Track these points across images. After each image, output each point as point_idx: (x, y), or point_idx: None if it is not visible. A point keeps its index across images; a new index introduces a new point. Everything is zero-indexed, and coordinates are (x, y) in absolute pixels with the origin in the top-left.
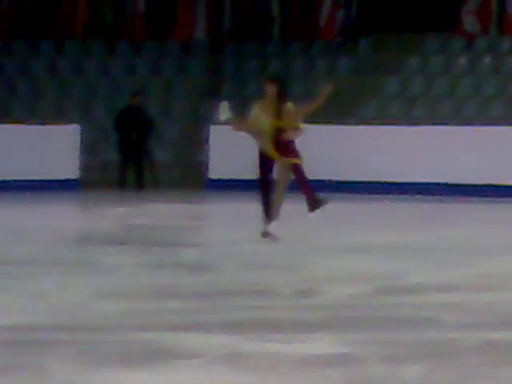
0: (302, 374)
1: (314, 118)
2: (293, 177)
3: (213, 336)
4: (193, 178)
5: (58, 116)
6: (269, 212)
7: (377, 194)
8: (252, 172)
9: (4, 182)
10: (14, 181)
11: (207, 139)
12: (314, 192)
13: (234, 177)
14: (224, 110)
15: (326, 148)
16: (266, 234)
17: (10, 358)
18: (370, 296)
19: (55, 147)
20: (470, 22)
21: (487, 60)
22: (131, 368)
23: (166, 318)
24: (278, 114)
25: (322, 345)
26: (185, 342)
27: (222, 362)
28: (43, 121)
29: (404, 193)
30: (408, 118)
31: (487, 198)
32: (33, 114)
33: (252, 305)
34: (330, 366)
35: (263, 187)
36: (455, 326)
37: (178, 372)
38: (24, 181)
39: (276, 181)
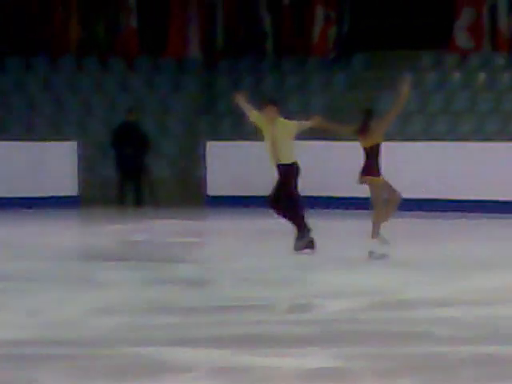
0: None
1: (308, 135)
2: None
3: (206, 350)
4: (191, 195)
5: (54, 133)
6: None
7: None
8: (248, 188)
9: (2, 199)
10: (13, 198)
11: (204, 155)
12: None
13: (232, 193)
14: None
15: (319, 163)
16: (311, 243)
17: (5, 373)
18: (364, 310)
19: (53, 164)
20: (462, 38)
21: (481, 76)
22: (123, 382)
23: (160, 332)
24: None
25: (315, 359)
26: (177, 357)
27: (214, 375)
28: (40, 138)
29: (400, 209)
30: (404, 134)
31: (483, 214)
32: (29, 131)
33: (246, 320)
34: (322, 380)
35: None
36: (448, 340)
37: None
38: (22, 198)
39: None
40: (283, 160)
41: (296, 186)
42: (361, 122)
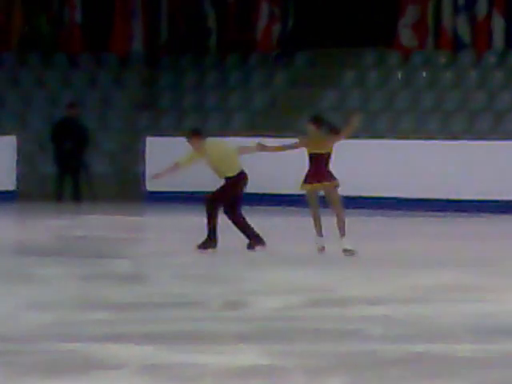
0: None
1: (251, 132)
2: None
3: (137, 347)
4: (130, 190)
5: None
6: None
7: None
8: (188, 184)
9: None
10: None
11: (144, 151)
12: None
13: (171, 189)
14: None
15: (262, 161)
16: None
17: None
18: (298, 308)
19: None
20: (406, 36)
21: (424, 74)
22: (54, 379)
23: (92, 328)
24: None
25: (248, 356)
26: (109, 353)
27: (144, 372)
28: None
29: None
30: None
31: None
32: None
33: (179, 316)
34: (254, 377)
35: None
36: (379, 339)
37: (99, 382)
38: None
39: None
40: (228, 174)
41: (237, 195)
42: (313, 131)
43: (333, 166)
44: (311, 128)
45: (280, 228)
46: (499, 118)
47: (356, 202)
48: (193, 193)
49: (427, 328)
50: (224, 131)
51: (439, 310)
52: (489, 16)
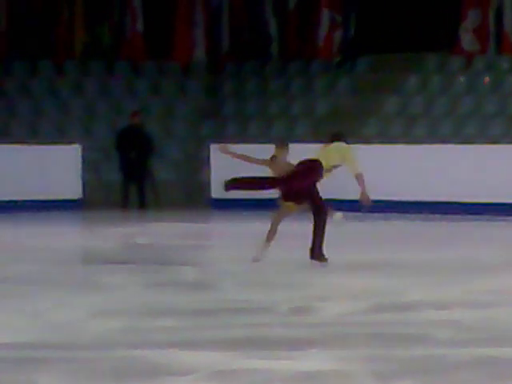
0: None
1: (315, 138)
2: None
3: (206, 353)
4: (195, 198)
5: (58, 136)
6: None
7: (376, 212)
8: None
9: (6, 202)
10: (16, 201)
11: (208, 158)
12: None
13: (237, 197)
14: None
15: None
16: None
17: (4, 375)
18: (364, 313)
19: (57, 167)
20: (468, 40)
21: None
22: None
23: (160, 335)
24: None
25: (315, 361)
26: (178, 359)
27: (214, 378)
28: (44, 141)
29: (405, 211)
30: (408, 137)
31: (489, 217)
32: (33, 135)
33: (247, 322)
34: (321, 382)
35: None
36: (447, 343)
37: None
38: (26, 201)
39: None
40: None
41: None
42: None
43: (393, 172)
44: (276, 152)
45: (339, 233)
46: None
47: (415, 207)
48: (258, 200)
49: (496, 332)
50: (288, 138)
51: (507, 314)
52: None
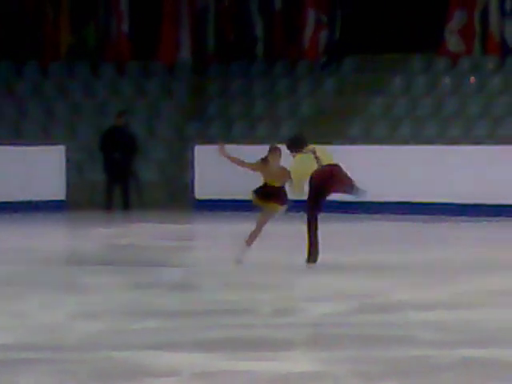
0: None
1: None
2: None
3: (188, 354)
4: (179, 199)
5: (43, 137)
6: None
7: (360, 213)
8: (236, 192)
9: None
10: (0, 202)
11: (192, 160)
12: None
13: (220, 197)
14: None
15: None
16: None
17: None
18: (348, 314)
19: (41, 168)
20: (453, 41)
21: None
22: None
23: (143, 336)
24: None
25: (298, 363)
26: (161, 361)
27: (197, 380)
28: (28, 141)
29: (390, 212)
30: (393, 138)
31: (474, 218)
32: (18, 135)
33: (230, 323)
34: (304, 383)
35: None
36: (430, 344)
37: None
38: (9, 202)
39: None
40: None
41: None
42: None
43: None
44: (270, 156)
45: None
46: None
47: (398, 208)
48: (241, 201)
49: (480, 333)
50: (272, 138)
51: (489, 315)
52: None
